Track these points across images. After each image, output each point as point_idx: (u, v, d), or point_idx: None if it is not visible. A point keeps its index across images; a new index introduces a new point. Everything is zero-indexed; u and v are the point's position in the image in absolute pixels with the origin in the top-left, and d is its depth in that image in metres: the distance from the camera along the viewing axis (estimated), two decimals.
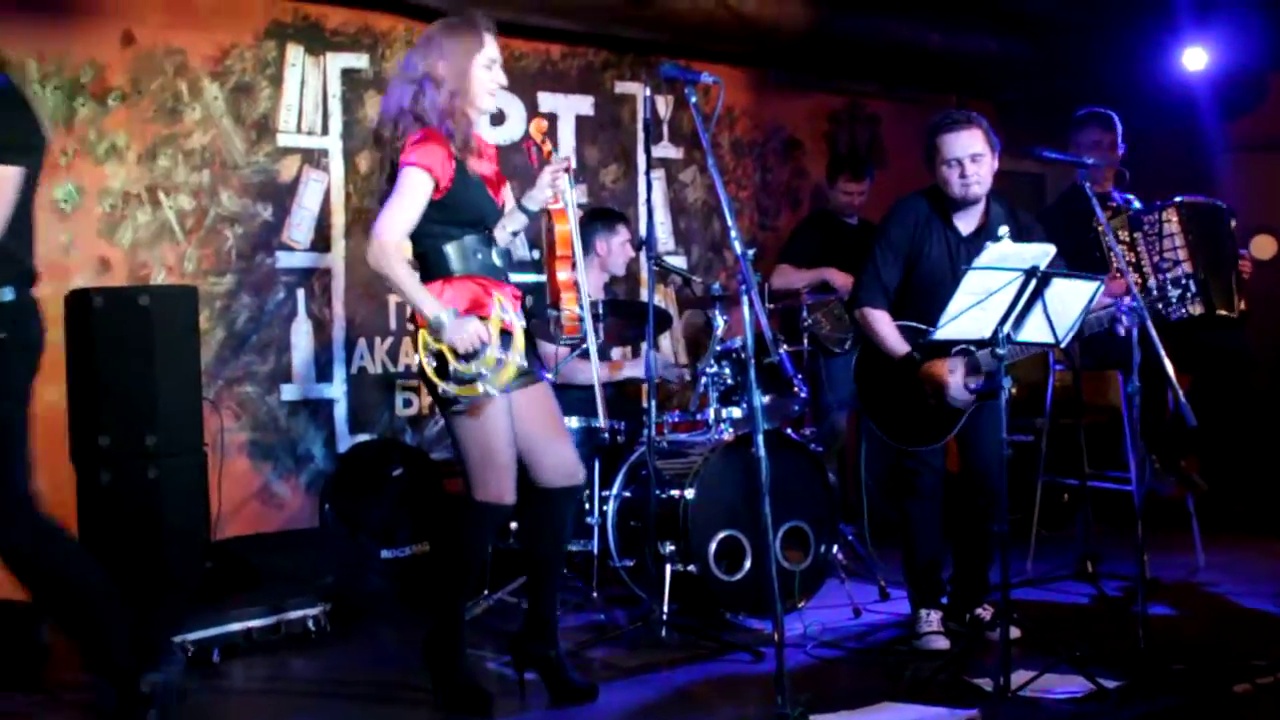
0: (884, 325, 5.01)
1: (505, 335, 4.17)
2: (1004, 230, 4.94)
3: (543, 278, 4.75)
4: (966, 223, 5.06)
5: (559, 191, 4.46)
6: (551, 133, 6.96)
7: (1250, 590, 5.78)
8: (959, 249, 5.01)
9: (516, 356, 4.16)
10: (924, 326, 4.72)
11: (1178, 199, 5.97)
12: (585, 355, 5.50)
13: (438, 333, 4.08)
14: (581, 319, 4.49)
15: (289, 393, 6.26)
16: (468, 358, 4.09)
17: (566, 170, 4.45)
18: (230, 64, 6.12)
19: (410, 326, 4.29)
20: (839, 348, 6.93)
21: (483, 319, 4.15)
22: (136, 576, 5.21)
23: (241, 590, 5.31)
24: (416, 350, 4.16)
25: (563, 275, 4.55)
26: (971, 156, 4.92)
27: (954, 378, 4.86)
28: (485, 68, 4.25)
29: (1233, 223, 6.00)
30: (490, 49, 4.27)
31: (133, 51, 5.86)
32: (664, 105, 7.53)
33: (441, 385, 4.12)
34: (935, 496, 5.12)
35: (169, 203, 5.95)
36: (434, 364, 4.12)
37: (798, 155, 8.13)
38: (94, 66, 5.77)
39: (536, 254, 6.83)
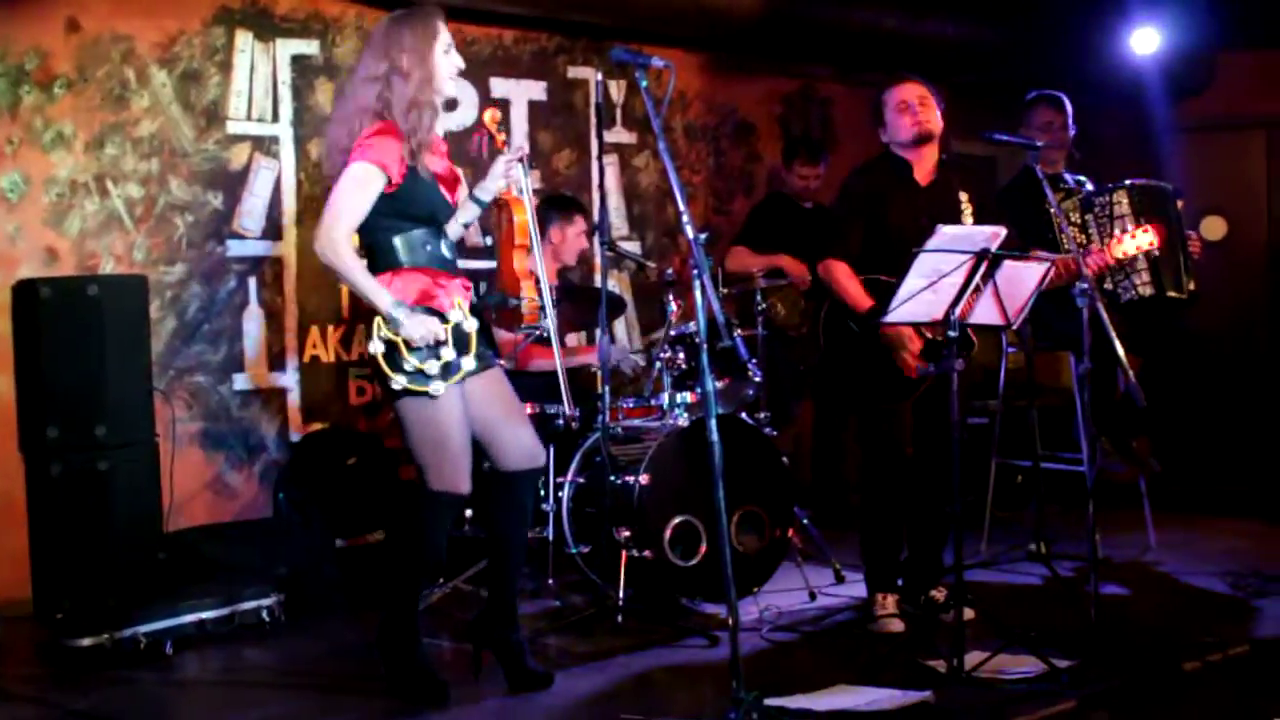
0: (847, 277, 5.05)
1: (459, 336, 4.16)
2: (964, 196, 5.06)
3: (494, 264, 4.74)
4: (922, 173, 5.17)
5: (513, 181, 4.47)
6: (504, 118, 6.94)
7: (1200, 570, 5.85)
8: (919, 199, 5.10)
9: (469, 360, 4.16)
10: (892, 279, 4.74)
11: (1128, 181, 6.00)
12: (541, 341, 5.52)
13: (392, 325, 4.07)
14: (542, 307, 4.50)
15: (241, 382, 6.22)
16: (421, 353, 4.09)
17: (520, 159, 4.45)
18: (178, 50, 6.06)
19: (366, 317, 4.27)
20: (794, 332, 6.95)
21: (441, 316, 4.14)
22: (90, 568, 5.19)
23: (195, 581, 5.28)
24: (369, 339, 4.15)
25: (519, 265, 4.56)
26: (919, 99, 5.13)
27: (912, 345, 4.90)
28: (444, 53, 4.25)
29: (1179, 203, 6.04)
30: (445, 34, 4.27)
31: (78, 38, 5.80)
32: (617, 90, 7.52)
33: (393, 377, 4.11)
34: (895, 480, 5.14)
35: (117, 191, 5.89)
36: (385, 355, 4.11)
37: (751, 139, 8.14)
38: (38, 53, 5.70)
39: (489, 240, 6.81)
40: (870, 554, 5.20)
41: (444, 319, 4.15)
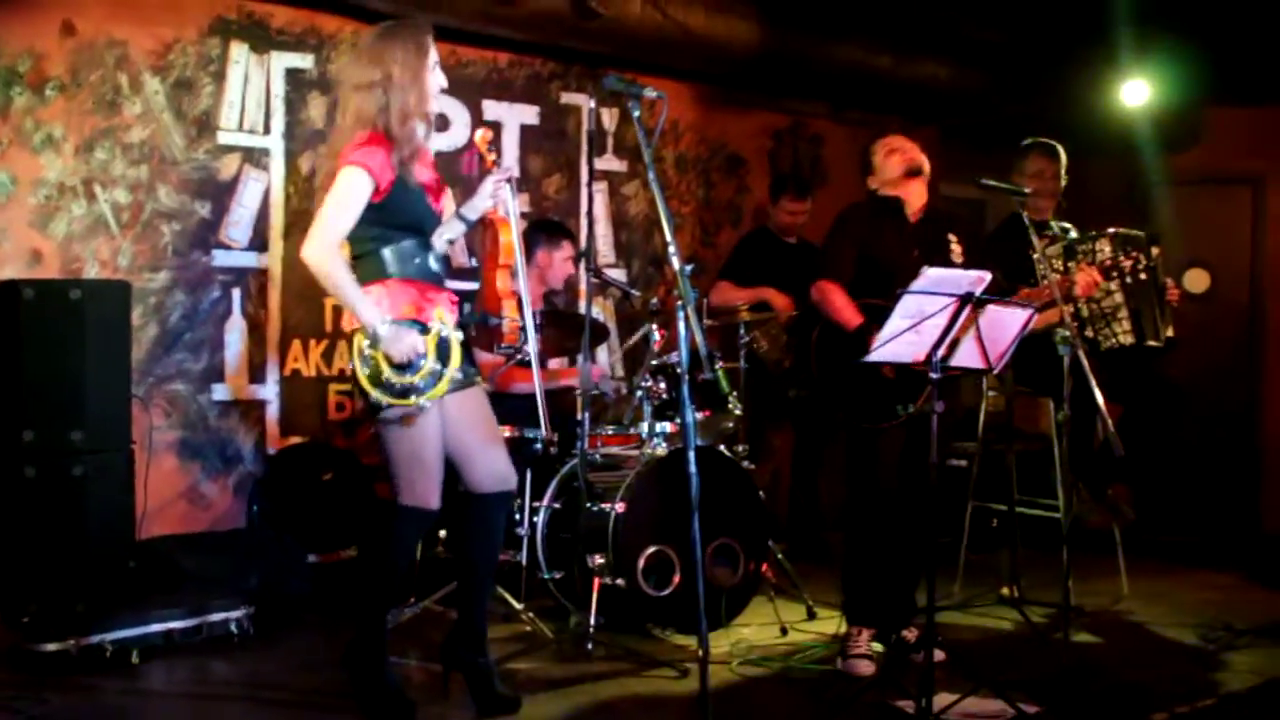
0: (840, 297, 5.10)
1: (442, 347, 4.17)
2: (953, 238, 5.16)
3: (477, 284, 4.75)
4: (912, 211, 5.27)
5: (500, 202, 4.49)
6: (495, 141, 6.97)
7: (1172, 620, 5.86)
8: (909, 234, 5.20)
9: (452, 371, 4.17)
10: (884, 302, 4.78)
11: (1110, 230, 6.05)
12: (523, 364, 5.53)
13: (374, 341, 4.09)
14: (523, 328, 4.52)
15: (220, 392, 6.22)
16: (402, 369, 4.10)
17: (509, 180, 4.47)
18: (173, 59, 6.07)
19: (346, 329, 4.29)
20: (774, 368, 6.96)
21: (422, 327, 4.15)
22: (58, 573, 5.16)
23: (164, 591, 5.26)
24: (351, 354, 4.17)
25: (502, 285, 4.57)
26: (907, 143, 5.32)
27: None
28: (432, 69, 4.27)
29: (1156, 250, 6.06)
30: (434, 50, 4.30)
31: (73, 42, 5.80)
32: (609, 118, 7.55)
33: (374, 393, 4.12)
34: (882, 508, 5.13)
35: (105, 196, 5.89)
36: (367, 370, 4.12)
37: (741, 172, 8.17)
38: (32, 55, 5.70)
39: (475, 262, 6.82)
40: (850, 584, 5.20)
41: (425, 330, 4.16)
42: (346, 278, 4.12)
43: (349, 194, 4.12)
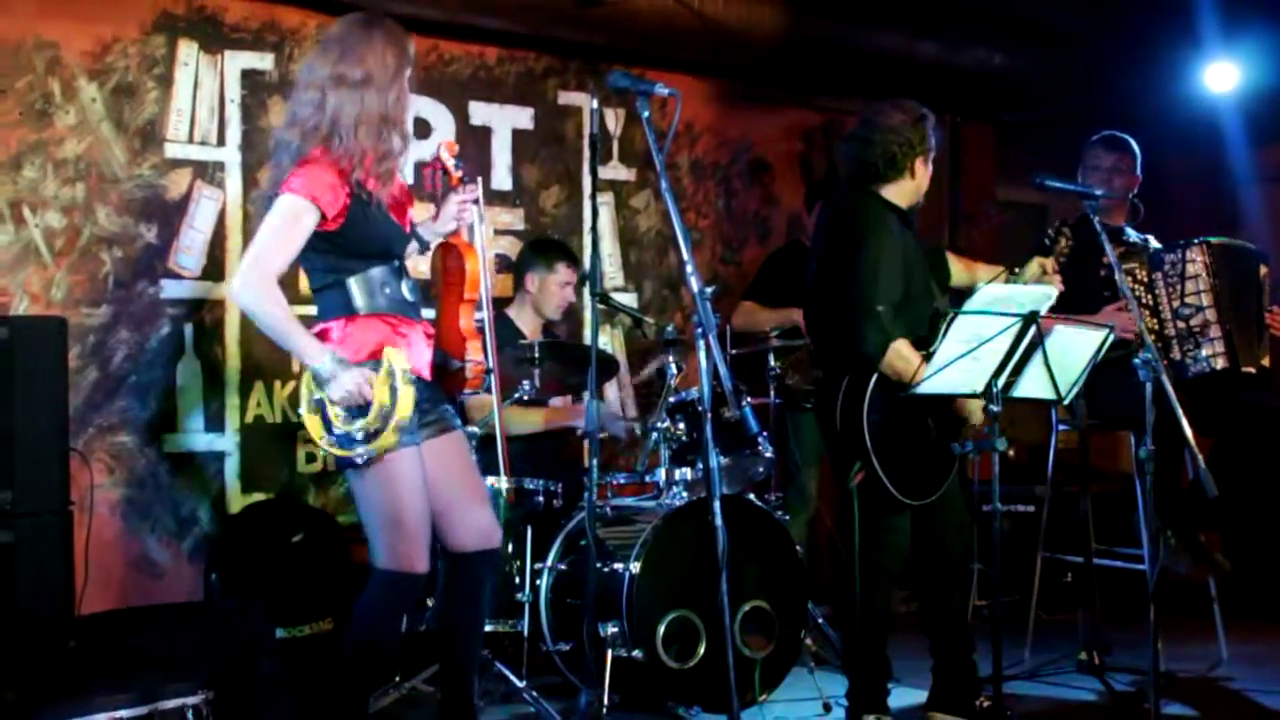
0: (905, 349, 4.86)
1: (393, 392, 4.10)
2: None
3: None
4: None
5: (464, 224, 4.49)
6: (485, 147, 6.99)
7: (1278, 687, 5.80)
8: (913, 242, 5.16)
9: (400, 419, 4.09)
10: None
11: (1208, 239, 6.00)
12: (520, 403, 5.55)
13: (320, 382, 4.05)
14: (488, 371, 4.51)
15: (172, 444, 6.22)
16: (349, 414, 4.06)
17: (475, 200, 4.48)
18: (112, 61, 6.09)
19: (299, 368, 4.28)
20: (810, 400, 6.93)
21: (374, 365, 4.10)
22: None
23: (109, 674, 5.22)
24: (300, 397, 4.15)
25: (465, 322, 4.56)
26: None
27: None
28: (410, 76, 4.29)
29: (1264, 270, 6.04)
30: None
31: None
32: (614, 119, 7.55)
33: (319, 442, 4.09)
34: (895, 578, 5.11)
35: (35, 220, 5.90)
36: (313, 416, 4.09)
37: (767, 179, 8.17)
38: None
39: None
40: (857, 667, 5.15)
41: (376, 369, 4.11)
42: (284, 316, 4.07)
43: (288, 228, 4.09)
